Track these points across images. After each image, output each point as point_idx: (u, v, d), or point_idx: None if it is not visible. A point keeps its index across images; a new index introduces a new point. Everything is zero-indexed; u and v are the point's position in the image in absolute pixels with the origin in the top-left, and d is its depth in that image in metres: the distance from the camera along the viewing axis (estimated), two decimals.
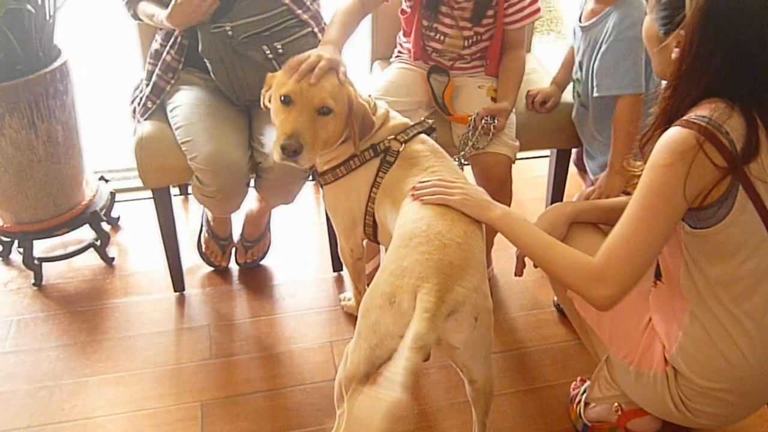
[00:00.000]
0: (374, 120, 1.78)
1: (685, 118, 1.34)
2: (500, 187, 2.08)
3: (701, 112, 1.33)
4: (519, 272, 1.81)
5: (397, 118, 1.84)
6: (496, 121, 2.03)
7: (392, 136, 1.76)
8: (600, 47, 1.96)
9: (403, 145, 1.74)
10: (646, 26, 1.48)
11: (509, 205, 2.14)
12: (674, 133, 1.32)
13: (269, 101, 1.75)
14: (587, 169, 2.30)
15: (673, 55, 1.38)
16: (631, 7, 1.92)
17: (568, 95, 2.31)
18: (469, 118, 2.06)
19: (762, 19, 1.29)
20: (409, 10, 2.20)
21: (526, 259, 1.80)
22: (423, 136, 1.79)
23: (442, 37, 2.19)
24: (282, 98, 1.67)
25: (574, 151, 2.47)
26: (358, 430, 1.23)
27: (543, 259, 1.52)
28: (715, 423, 1.59)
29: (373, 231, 1.81)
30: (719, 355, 1.45)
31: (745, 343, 1.43)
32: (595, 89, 2.01)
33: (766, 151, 1.34)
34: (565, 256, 1.46)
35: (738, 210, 1.35)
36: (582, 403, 1.82)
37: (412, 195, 1.58)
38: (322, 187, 1.89)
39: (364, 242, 1.94)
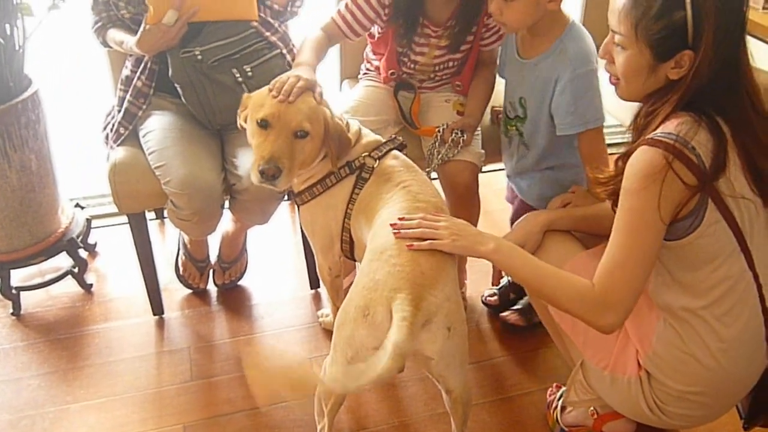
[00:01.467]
0: (350, 138, 1.81)
1: (650, 135, 1.35)
2: (467, 194, 2.10)
3: (667, 129, 1.34)
4: (496, 282, 1.83)
5: (370, 135, 1.87)
6: (464, 135, 2.07)
7: (366, 153, 1.79)
8: (555, 85, 1.87)
9: (378, 161, 1.77)
10: (629, 59, 1.39)
11: (478, 215, 2.17)
12: (643, 154, 1.34)
13: (245, 121, 1.78)
14: (514, 188, 2.21)
15: (672, 76, 1.37)
16: (580, 39, 1.86)
17: None
18: (436, 130, 2.09)
19: (738, 26, 1.33)
20: (378, 35, 2.19)
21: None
22: (395, 151, 1.82)
23: (413, 65, 2.19)
24: (259, 122, 1.69)
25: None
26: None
27: (543, 292, 1.52)
28: (689, 424, 1.61)
29: (350, 247, 1.83)
30: (693, 359, 1.47)
31: (718, 347, 1.45)
32: (557, 128, 1.91)
33: (733, 166, 1.36)
34: (565, 287, 1.46)
35: (708, 222, 1.36)
36: (558, 409, 1.85)
37: (396, 233, 1.51)
38: (298, 207, 1.91)
39: (341, 259, 1.96)
